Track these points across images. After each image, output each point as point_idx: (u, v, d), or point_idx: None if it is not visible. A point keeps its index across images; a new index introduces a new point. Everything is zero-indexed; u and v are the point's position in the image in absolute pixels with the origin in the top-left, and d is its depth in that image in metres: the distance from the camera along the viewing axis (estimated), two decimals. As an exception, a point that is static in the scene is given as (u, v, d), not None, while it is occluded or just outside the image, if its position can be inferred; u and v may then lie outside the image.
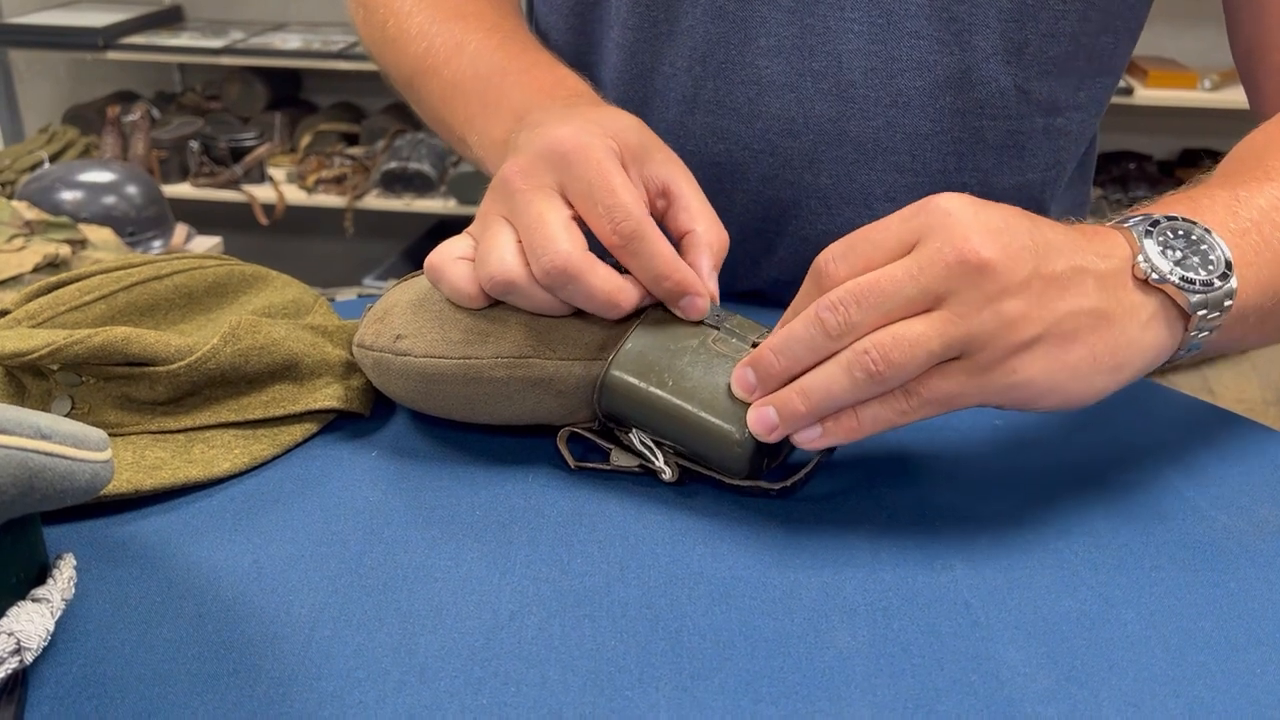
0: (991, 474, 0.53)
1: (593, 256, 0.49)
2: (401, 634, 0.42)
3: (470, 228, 0.53)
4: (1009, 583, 0.45)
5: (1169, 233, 0.46)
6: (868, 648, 0.41)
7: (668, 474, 0.50)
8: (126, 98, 2.77)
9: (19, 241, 1.70)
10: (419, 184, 2.50)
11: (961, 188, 0.70)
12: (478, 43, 0.66)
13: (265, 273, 0.62)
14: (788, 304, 0.48)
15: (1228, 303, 0.46)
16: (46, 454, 0.37)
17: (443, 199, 2.51)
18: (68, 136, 2.57)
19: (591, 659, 0.41)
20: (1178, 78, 2.29)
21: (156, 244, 2.05)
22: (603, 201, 0.49)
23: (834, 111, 0.67)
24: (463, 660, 0.40)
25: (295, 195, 2.55)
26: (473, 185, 2.45)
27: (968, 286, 0.42)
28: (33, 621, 0.38)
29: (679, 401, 0.49)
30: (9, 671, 0.37)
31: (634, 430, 0.51)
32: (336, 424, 0.56)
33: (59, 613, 0.40)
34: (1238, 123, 0.65)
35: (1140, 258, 0.45)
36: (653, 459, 0.50)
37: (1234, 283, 0.46)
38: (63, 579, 0.41)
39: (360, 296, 0.91)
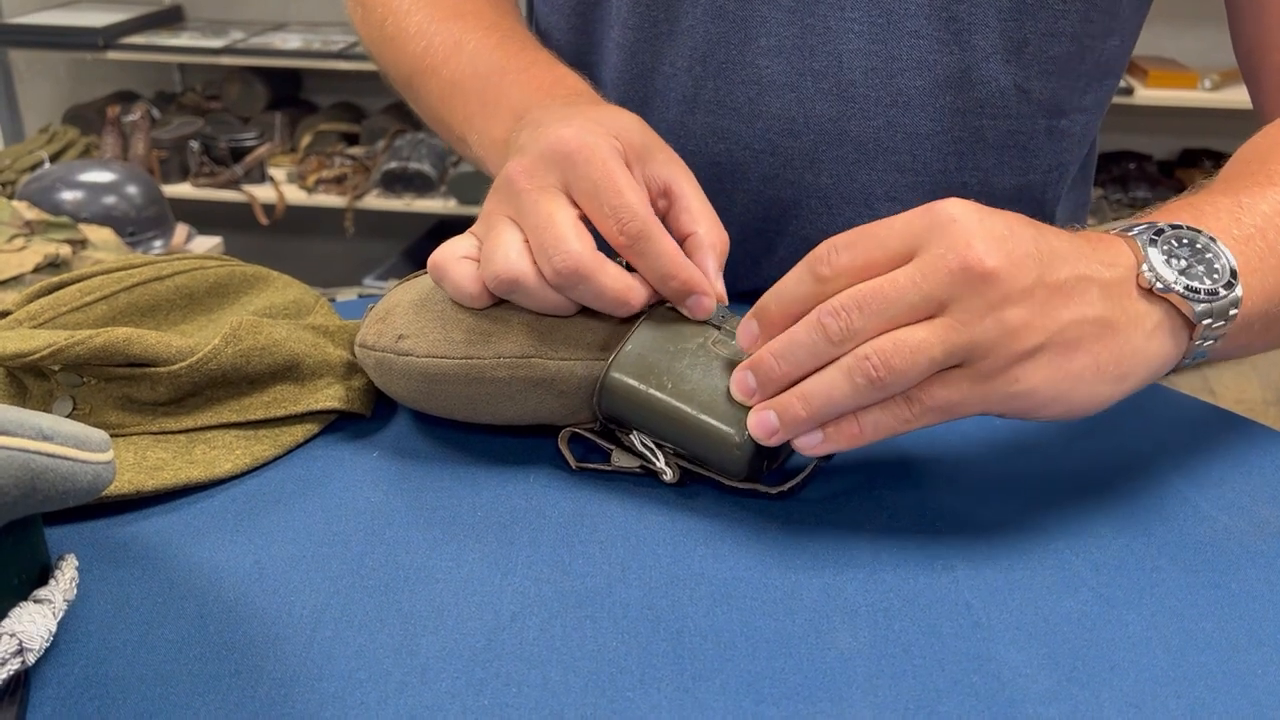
0: (992, 475, 0.53)
1: (602, 256, 0.49)
2: (403, 635, 0.42)
3: (474, 227, 0.53)
4: (1010, 584, 0.45)
5: (1173, 241, 0.46)
6: (869, 648, 0.41)
7: (669, 475, 0.50)
8: (126, 98, 2.77)
9: (19, 242, 1.70)
10: (419, 184, 2.50)
11: (962, 187, 0.70)
12: (476, 41, 0.66)
13: (266, 273, 0.62)
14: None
15: (1233, 311, 0.46)
16: (48, 455, 0.37)
17: (443, 199, 2.51)
18: (68, 136, 2.58)
19: (593, 660, 0.41)
20: (1178, 78, 2.29)
21: (157, 244, 2.05)
22: (609, 202, 0.49)
23: (834, 111, 0.67)
24: (464, 661, 0.40)
25: (295, 195, 2.55)
26: (473, 185, 2.45)
27: (971, 294, 0.42)
28: (35, 622, 0.38)
29: (678, 404, 0.49)
30: (11, 672, 0.37)
31: (635, 431, 0.51)
32: (338, 424, 0.56)
33: (61, 613, 0.40)
34: (1238, 123, 0.65)
35: (1145, 267, 0.45)
36: (654, 460, 0.50)
37: (1239, 291, 0.46)
38: (64, 580, 0.41)
39: (361, 297, 0.91)
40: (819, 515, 0.50)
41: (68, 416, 0.51)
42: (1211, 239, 0.46)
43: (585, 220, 0.50)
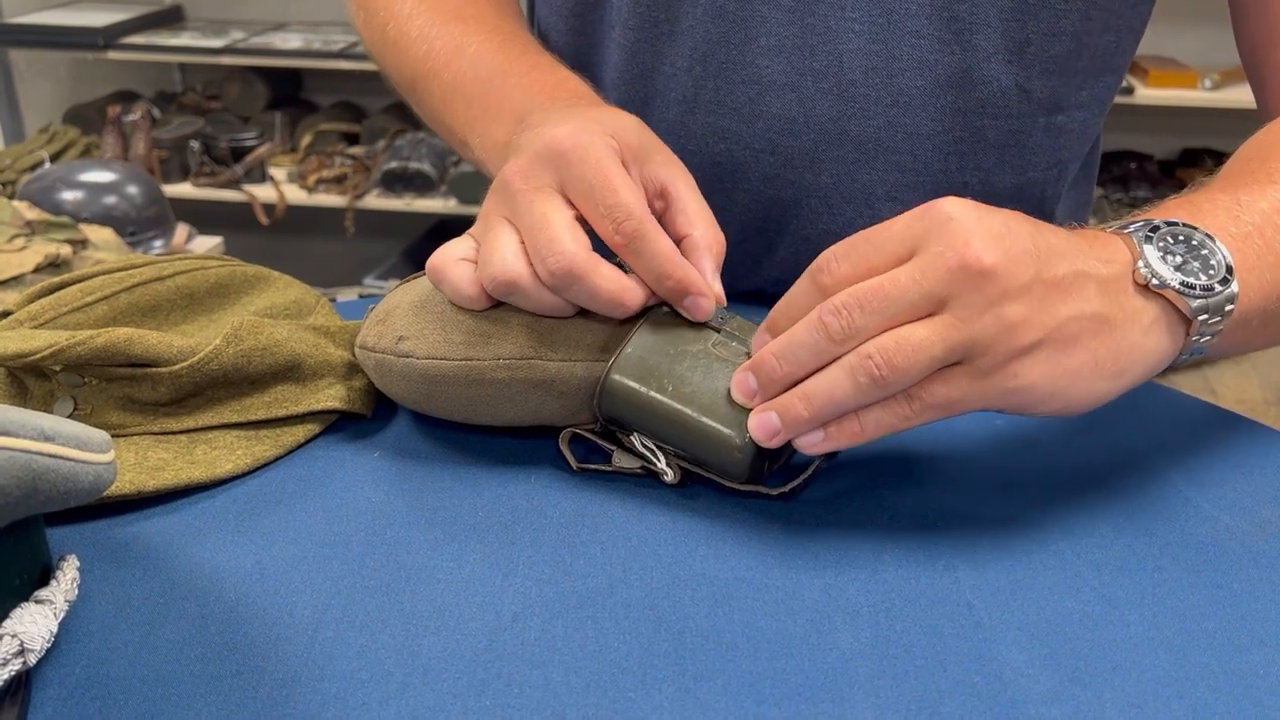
0: (994, 475, 0.53)
1: (597, 257, 0.49)
2: (404, 635, 0.42)
3: (472, 229, 0.53)
4: (1012, 584, 0.45)
5: (1169, 238, 0.46)
6: (870, 649, 0.41)
7: (670, 476, 0.50)
8: (127, 97, 2.77)
9: (20, 242, 1.70)
10: (419, 184, 2.50)
11: (963, 187, 0.70)
12: (478, 45, 0.66)
13: (267, 273, 0.62)
14: (789, 305, 0.48)
15: (1229, 307, 0.46)
16: (50, 456, 0.37)
17: (443, 199, 2.51)
18: (68, 136, 2.58)
19: (594, 660, 0.41)
20: (1178, 77, 2.29)
21: (157, 244, 2.05)
22: (604, 201, 0.49)
23: (835, 111, 0.67)
24: (466, 662, 0.40)
25: (296, 195, 2.55)
26: (473, 185, 2.45)
27: (970, 291, 0.42)
28: (36, 623, 0.38)
29: (679, 406, 0.49)
30: (12, 673, 0.37)
31: (635, 433, 0.51)
32: (339, 425, 0.56)
33: (62, 614, 0.40)
34: (1239, 122, 0.65)
35: (1140, 263, 0.45)
36: (655, 461, 0.50)
37: (1235, 287, 0.46)
38: (66, 580, 0.41)
39: (361, 297, 0.91)
40: (820, 515, 0.50)
41: (69, 417, 0.51)
42: (1208, 235, 0.46)
43: (583, 221, 0.50)
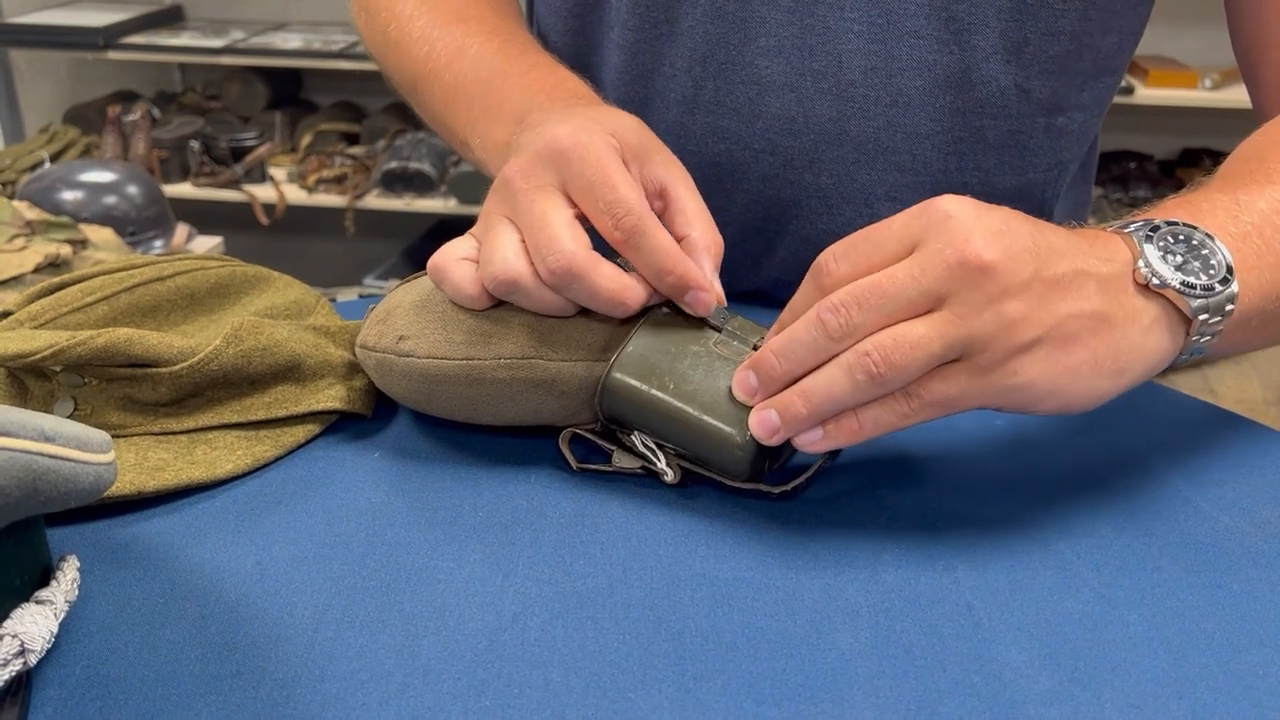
0: (993, 476, 0.53)
1: (597, 255, 0.49)
2: (404, 635, 0.42)
3: (473, 229, 0.53)
4: (1011, 584, 0.45)
5: (1169, 238, 0.46)
6: (870, 649, 0.41)
7: (670, 476, 0.50)
8: (127, 97, 2.77)
9: (20, 242, 1.70)
10: (420, 184, 2.50)
11: (963, 187, 0.70)
12: (478, 46, 0.66)
13: (267, 274, 0.62)
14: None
15: (1229, 307, 0.46)
16: (50, 456, 0.37)
17: (443, 199, 2.51)
18: (68, 136, 2.57)
19: (594, 660, 0.41)
20: (1178, 77, 2.29)
21: (157, 244, 2.05)
22: (604, 197, 0.49)
23: (834, 111, 0.67)
24: (466, 662, 0.40)
25: (296, 195, 2.55)
26: (473, 185, 2.45)
27: (969, 287, 0.42)
28: (36, 623, 0.38)
29: (680, 404, 0.49)
30: (13, 673, 0.37)
31: (636, 432, 0.51)
32: (339, 425, 0.56)
33: (62, 614, 0.40)
34: (1239, 122, 0.65)
35: (1141, 263, 0.45)
36: (655, 461, 0.50)
37: (1235, 287, 0.46)
38: (66, 581, 0.41)
39: (361, 297, 0.91)
40: (820, 516, 0.50)
41: (69, 417, 0.51)
42: (1208, 235, 0.46)
43: (585, 221, 0.50)
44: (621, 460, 0.52)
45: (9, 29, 2.56)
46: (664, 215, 0.53)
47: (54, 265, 1.67)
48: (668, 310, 0.52)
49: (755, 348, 0.50)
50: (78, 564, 0.42)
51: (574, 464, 0.52)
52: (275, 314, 0.59)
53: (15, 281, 1.61)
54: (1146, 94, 2.27)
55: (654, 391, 0.49)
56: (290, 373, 0.54)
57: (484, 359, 0.51)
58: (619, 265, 0.50)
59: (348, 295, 2.38)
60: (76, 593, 0.42)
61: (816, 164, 0.68)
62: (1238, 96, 2.23)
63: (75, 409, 0.51)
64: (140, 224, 2.03)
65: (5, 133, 2.67)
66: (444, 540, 0.47)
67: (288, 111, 2.71)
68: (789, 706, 0.39)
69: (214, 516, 0.49)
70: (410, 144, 2.52)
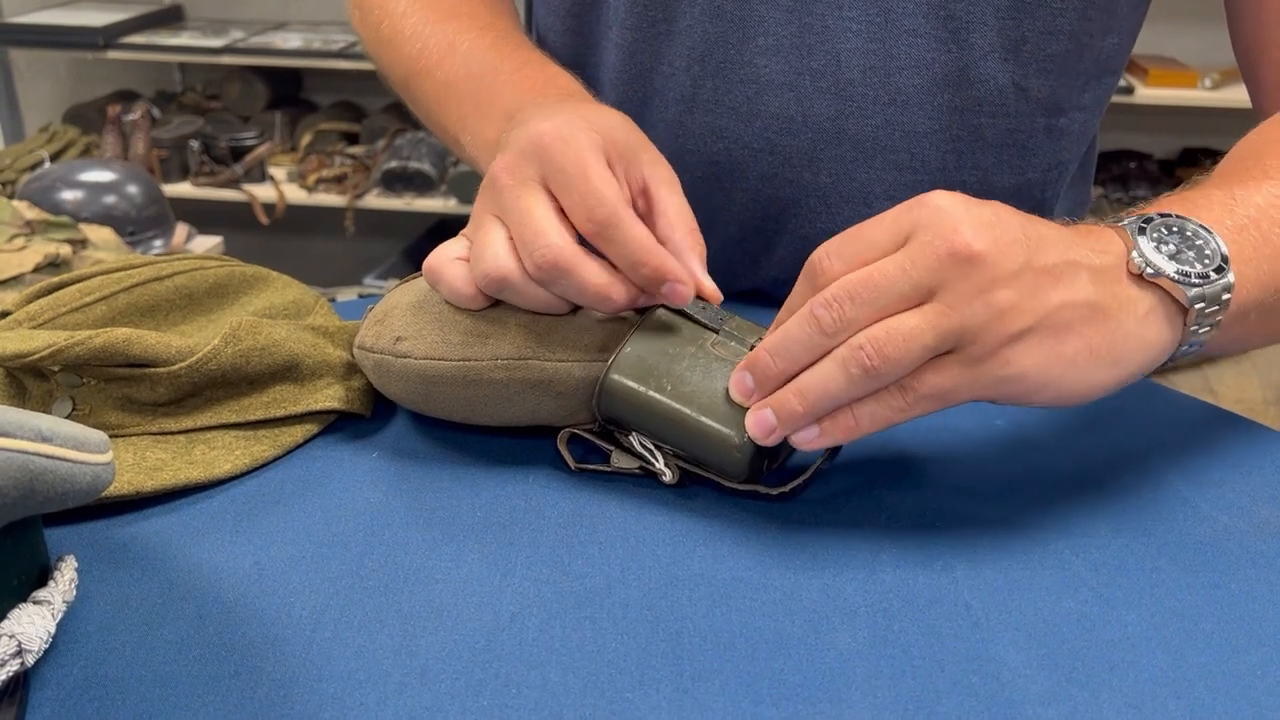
0: (992, 476, 0.53)
1: (584, 250, 0.49)
2: (402, 636, 0.42)
3: (466, 229, 0.53)
4: (1009, 584, 0.45)
5: (1162, 229, 0.46)
6: (868, 649, 0.41)
7: (668, 476, 0.50)
8: (127, 97, 2.77)
9: (19, 241, 1.70)
10: (419, 183, 2.50)
11: (962, 186, 0.69)
12: (470, 43, 0.66)
13: (266, 274, 0.62)
14: (788, 303, 0.48)
15: (1225, 296, 0.46)
16: (47, 456, 0.37)
17: (443, 198, 2.51)
18: (68, 136, 2.57)
19: (592, 660, 0.41)
20: (1178, 76, 2.29)
21: (157, 243, 2.05)
22: (578, 189, 0.49)
23: (832, 110, 0.67)
24: (464, 662, 0.40)
25: (296, 194, 2.55)
26: (473, 184, 2.45)
27: (959, 278, 0.42)
28: (34, 623, 0.38)
29: (678, 406, 0.49)
30: (10, 673, 0.37)
31: (634, 433, 0.51)
32: (337, 425, 0.56)
33: (60, 614, 0.40)
34: (1238, 121, 0.65)
35: (1134, 253, 0.45)
36: (653, 461, 0.50)
37: (1231, 277, 0.46)
38: (64, 581, 0.41)
39: (361, 296, 0.91)
40: (818, 516, 0.50)
41: (67, 417, 0.51)
42: (1201, 226, 0.46)
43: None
44: (620, 460, 0.52)
45: (9, 29, 2.56)
46: (646, 216, 0.53)
47: (53, 265, 1.67)
48: (666, 311, 0.52)
49: (752, 348, 0.50)
50: (75, 564, 0.42)
51: (572, 464, 0.52)
52: (274, 314, 0.59)
53: (15, 281, 1.61)
54: (1146, 93, 2.27)
55: (651, 393, 0.49)
56: (288, 373, 0.54)
57: (480, 360, 0.51)
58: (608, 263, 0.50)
59: (347, 295, 2.38)
60: (74, 593, 0.42)
61: (815, 163, 0.68)
62: (1238, 96, 2.23)
63: (74, 409, 0.51)
64: (140, 224, 2.03)
65: (5, 132, 2.67)
66: (442, 540, 0.47)
67: (288, 111, 2.71)
68: (787, 706, 0.39)
69: (212, 516, 0.49)
70: (410, 143, 2.52)
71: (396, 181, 2.50)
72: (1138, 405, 0.60)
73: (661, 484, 0.51)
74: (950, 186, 0.69)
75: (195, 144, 2.55)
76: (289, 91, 2.81)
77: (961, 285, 0.42)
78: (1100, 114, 0.74)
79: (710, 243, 0.54)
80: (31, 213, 1.78)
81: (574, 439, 0.54)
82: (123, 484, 0.48)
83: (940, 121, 0.67)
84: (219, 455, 0.51)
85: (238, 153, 2.58)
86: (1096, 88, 0.70)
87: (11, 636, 0.38)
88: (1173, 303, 0.46)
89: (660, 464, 0.50)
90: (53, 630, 0.39)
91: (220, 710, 0.38)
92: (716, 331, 0.51)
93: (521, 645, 0.41)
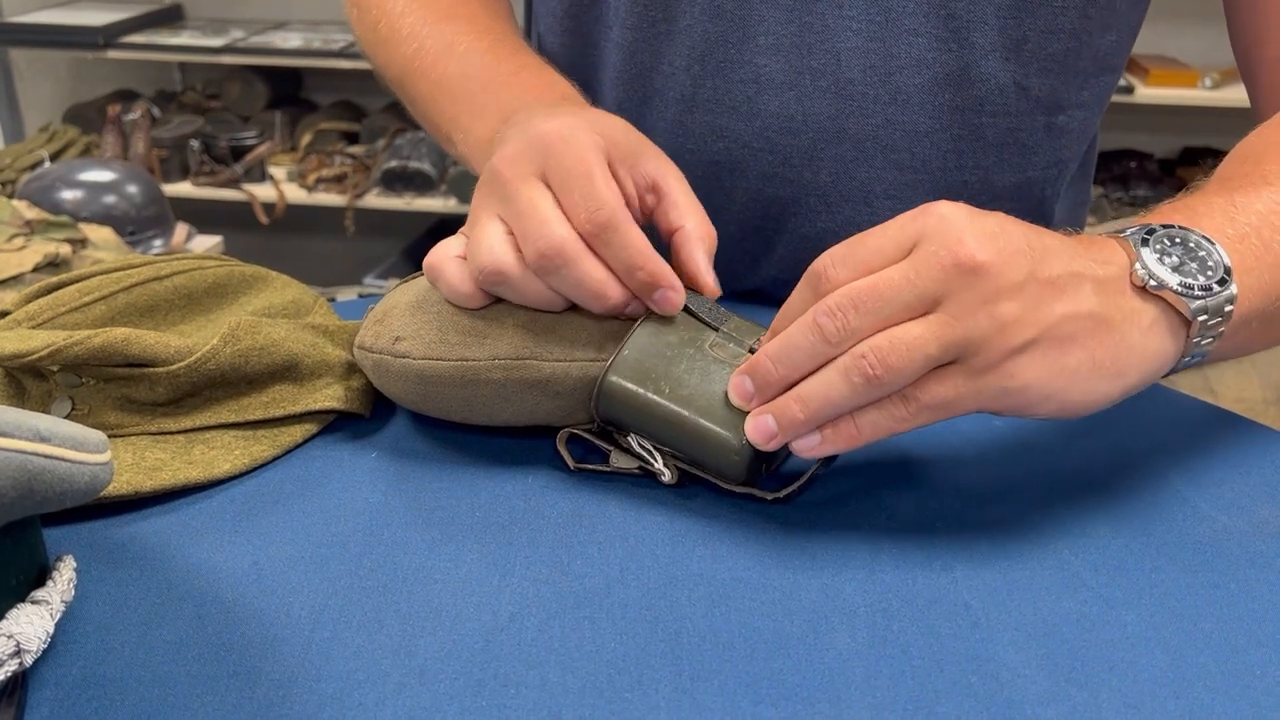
0: (991, 476, 0.53)
1: (585, 246, 0.49)
2: (401, 636, 0.42)
3: (464, 226, 0.53)
4: (1009, 584, 0.45)
5: (1165, 240, 0.46)
6: (867, 649, 0.41)
7: (667, 476, 0.50)
8: (127, 96, 2.77)
9: (19, 241, 1.70)
10: (419, 183, 2.50)
11: (962, 185, 0.70)
12: (468, 44, 0.66)
13: (265, 273, 0.62)
14: (788, 303, 0.48)
15: (1229, 308, 0.46)
16: (46, 456, 0.37)
17: (443, 198, 2.51)
18: (68, 135, 2.57)
19: (591, 660, 0.41)
20: (1179, 76, 2.29)
21: (157, 243, 2.05)
22: (579, 189, 0.49)
23: (833, 109, 0.67)
24: (462, 662, 0.40)
25: (296, 194, 2.55)
26: (473, 184, 2.43)
27: (963, 288, 0.42)
28: (32, 623, 0.38)
29: (676, 408, 0.49)
30: (9, 673, 0.37)
31: (632, 435, 0.51)
32: (336, 425, 0.56)
33: (59, 614, 0.40)
34: (1239, 121, 0.65)
35: (1137, 265, 0.45)
36: (652, 461, 0.50)
37: (1234, 288, 0.46)
38: (62, 581, 0.41)
39: (361, 296, 0.91)
40: (818, 516, 0.50)
41: (66, 417, 0.51)
42: (1204, 237, 0.46)
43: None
44: (619, 460, 0.52)
45: (9, 28, 2.56)
46: (657, 209, 0.53)
47: (53, 264, 1.67)
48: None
49: (752, 350, 0.50)
50: (74, 564, 0.42)
51: (571, 464, 0.52)
52: (273, 314, 0.59)
53: (14, 281, 1.61)
54: (1147, 93, 2.27)
55: (650, 395, 0.49)
56: (288, 372, 0.54)
57: (478, 360, 0.51)
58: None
59: (347, 295, 2.38)
60: (73, 593, 0.41)
61: (815, 162, 0.68)
62: (1238, 96, 2.23)
63: (73, 409, 0.51)
64: (140, 223, 2.03)
65: (5, 132, 2.67)
66: (441, 540, 0.47)
67: (288, 111, 2.71)
68: (786, 706, 0.39)
69: (211, 516, 0.48)
70: (410, 143, 2.52)
71: (396, 181, 2.50)
72: (1138, 405, 0.59)
73: (660, 484, 0.51)
74: (951, 186, 0.69)
75: (195, 144, 2.55)
76: (289, 91, 2.81)
77: (966, 296, 0.42)
78: (1100, 112, 0.74)
79: (710, 241, 0.54)
80: (31, 212, 1.78)
81: (573, 439, 0.54)
82: (121, 484, 0.48)
83: (941, 121, 0.67)
84: (218, 455, 0.51)
85: (238, 152, 2.58)
86: (1095, 85, 0.70)
87: (10, 636, 0.38)
88: (1176, 314, 0.46)
89: (659, 464, 0.50)
90: (51, 630, 0.39)
91: (219, 710, 0.38)
92: (716, 330, 0.51)
93: (520, 645, 0.41)
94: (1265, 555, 0.48)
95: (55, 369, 0.51)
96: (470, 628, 0.42)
